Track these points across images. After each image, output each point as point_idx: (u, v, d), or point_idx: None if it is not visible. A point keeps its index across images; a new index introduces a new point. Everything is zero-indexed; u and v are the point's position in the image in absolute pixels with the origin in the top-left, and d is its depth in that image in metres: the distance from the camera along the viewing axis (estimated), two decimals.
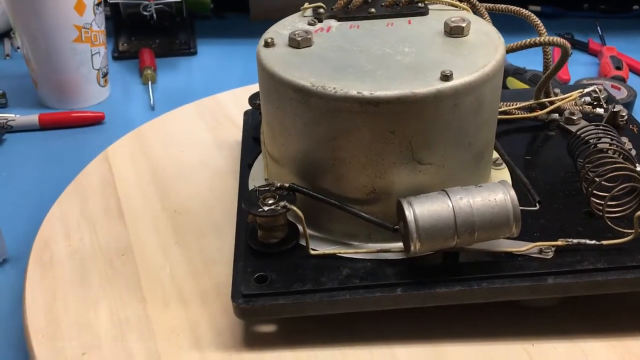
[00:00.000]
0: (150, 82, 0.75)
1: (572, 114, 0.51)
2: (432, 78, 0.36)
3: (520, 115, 0.51)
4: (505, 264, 0.38)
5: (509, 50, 0.45)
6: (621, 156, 0.43)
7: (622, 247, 0.38)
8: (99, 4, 0.69)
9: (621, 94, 0.68)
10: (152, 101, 0.72)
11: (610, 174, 0.40)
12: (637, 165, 0.42)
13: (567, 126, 0.51)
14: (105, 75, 0.73)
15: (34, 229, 0.48)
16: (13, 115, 0.67)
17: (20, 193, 0.57)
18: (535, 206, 0.39)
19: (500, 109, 0.52)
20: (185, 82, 0.79)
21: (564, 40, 0.43)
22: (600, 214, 0.39)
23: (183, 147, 0.59)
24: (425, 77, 0.36)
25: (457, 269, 0.38)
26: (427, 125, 0.37)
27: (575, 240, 0.38)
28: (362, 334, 0.39)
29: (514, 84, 0.72)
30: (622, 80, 0.74)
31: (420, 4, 0.45)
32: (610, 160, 0.41)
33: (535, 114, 0.51)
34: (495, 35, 0.41)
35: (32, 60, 0.69)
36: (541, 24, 0.48)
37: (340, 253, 0.40)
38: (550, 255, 0.38)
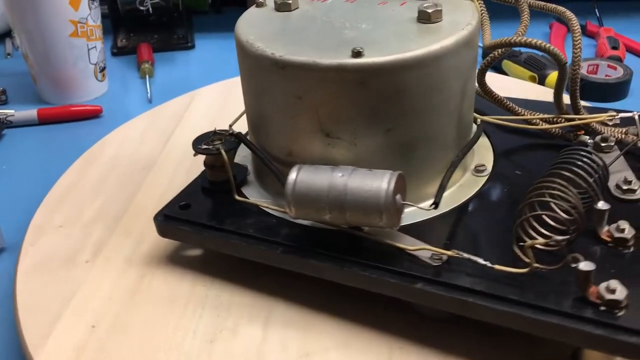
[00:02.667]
0: (147, 76, 0.76)
1: (605, 140, 0.44)
2: (345, 54, 0.36)
3: (529, 126, 0.46)
4: (389, 258, 0.37)
5: (494, 46, 0.41)
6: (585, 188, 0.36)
7: (518, 278, 0.34)
8: None
9: (617, 73, 0.68)
10: (149, 94, 0.73)
11: (538, 199, 0.35)
12: (599, 198, 0.36)
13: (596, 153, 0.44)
14: (102, 69, 0.74)
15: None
16: (12, 110, 0.68)
17: (19, 186, 0.58)
18: (429, 208, 0.36)
19: (522, 117, 0.47)
20: (183, 75, 0.80)
21: (555, 49, 0.38)
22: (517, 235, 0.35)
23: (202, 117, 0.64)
24: (341, 51, 0.37)
25: (351, 250, 0.38)
26: (332, 98, 0.37)
27: (466, 255, 0.35)
28: (262, 284, 0.41)
29: (510, 66, 0.69)
30: (619, 60, 0.73)
31: None
32: (553, 185, 0.36)
33: (550, 126, 0.45)
34: (460, 26, 0.38)
35: (29, 56, 0.70)
36: (578, 27, 0.42)
37: (261, 205, 0.42)
38: (438, 263, 0.36)
